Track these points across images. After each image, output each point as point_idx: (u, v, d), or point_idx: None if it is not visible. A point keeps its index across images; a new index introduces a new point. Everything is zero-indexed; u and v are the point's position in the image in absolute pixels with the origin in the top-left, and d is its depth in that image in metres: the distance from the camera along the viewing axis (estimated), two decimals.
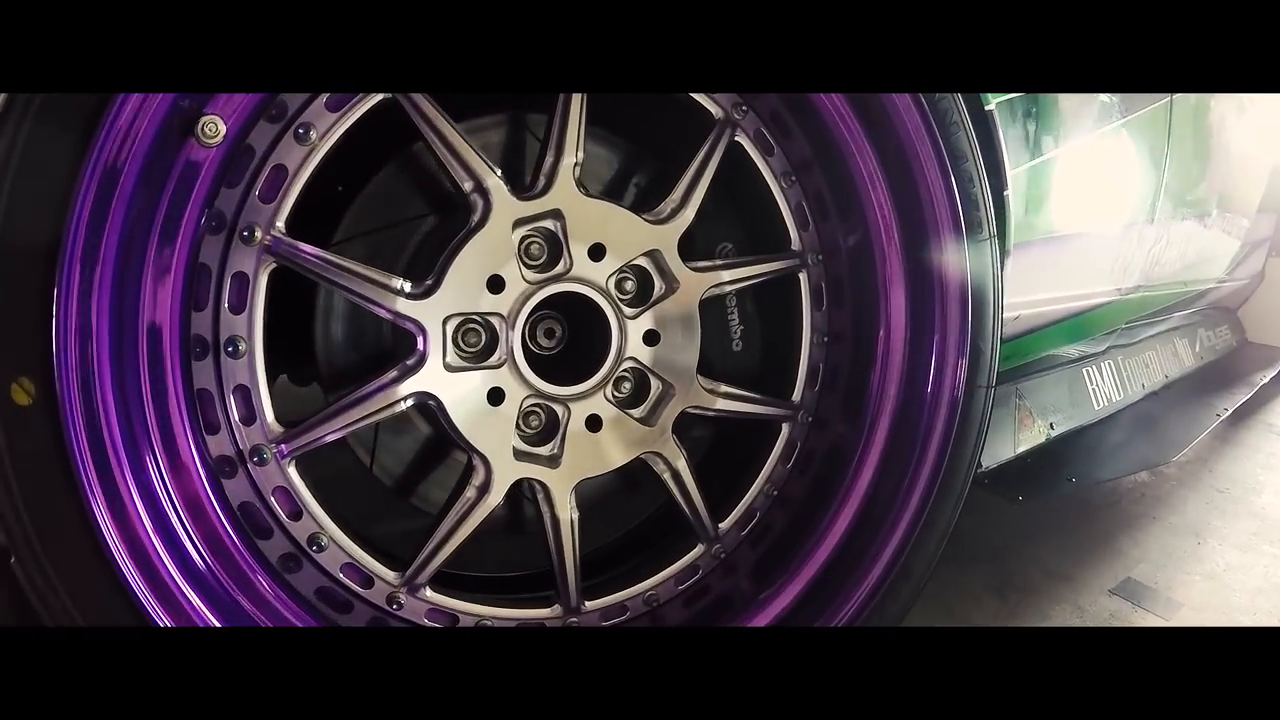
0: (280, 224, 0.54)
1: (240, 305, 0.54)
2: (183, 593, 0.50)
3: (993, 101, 0.75)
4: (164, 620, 0.47)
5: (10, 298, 0.42)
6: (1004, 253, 0.80)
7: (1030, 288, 0.91)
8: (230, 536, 0.54)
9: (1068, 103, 0.90)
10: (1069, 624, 0.95)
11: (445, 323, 0.59)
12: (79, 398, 0.44)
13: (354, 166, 0.62)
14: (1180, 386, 1.44)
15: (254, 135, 0.52)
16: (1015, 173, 0.83)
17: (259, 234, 0.53)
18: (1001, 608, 0.98)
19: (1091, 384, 1.20)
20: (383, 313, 0.57)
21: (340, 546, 0.58)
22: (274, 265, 0.54)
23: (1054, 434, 1.08)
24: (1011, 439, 1.01)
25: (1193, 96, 1.20)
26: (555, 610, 0.65)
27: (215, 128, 0.48)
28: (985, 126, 0.74)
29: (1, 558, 0.45)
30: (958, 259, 0.69)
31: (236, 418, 0.54)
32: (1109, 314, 1.16)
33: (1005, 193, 0.78)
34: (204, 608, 0.50)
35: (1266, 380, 1.56)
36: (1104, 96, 0.96)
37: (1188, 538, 1.18)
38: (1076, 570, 1.08)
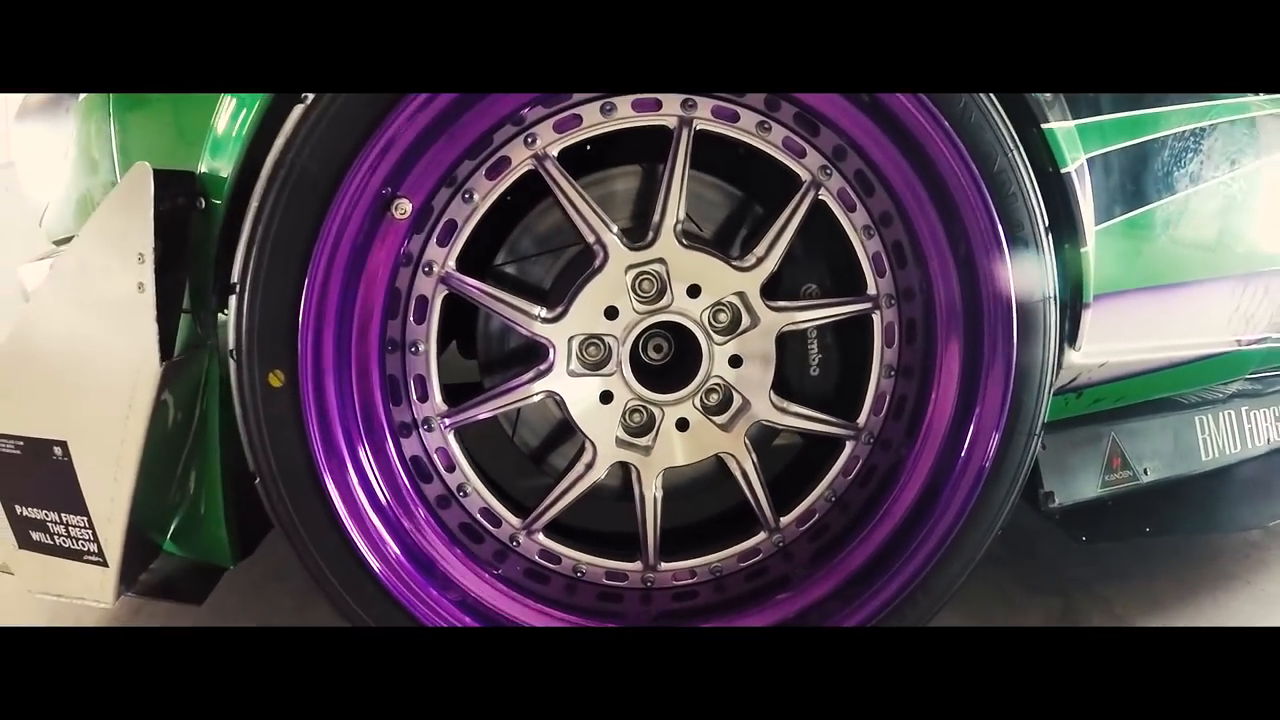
0: (451, 263, 0.74)
1: (421, 318, 0.75)
2: (368, 515, 0.72)
3: (1072, 164, 0.82)
4: (352, 528, 0.69)
5: (269, 321, 0.64)
6: (1082, 304, 0.88)
7: (1117, 337, 0.96)
8: (403, 479, 0.76)
9: (1168, 154, 0.94)
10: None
11: (570, 340, 0.77)
12: (311, 382, 0.67)
13: (511, 215, 0.82)
14: None
15: (435, 198, 0.72)
16: (1108, 225, 0.89)
17: (436, 269, 0.74)
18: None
19: (1204, 433, 1.20)
20: (523, 331, 0.77)
21: (479, 494, 0.80)
22: (446, 292, 0.75)
23: (1147, 479, 1.11)
24: (1097, 479, 1.06)
25: None
26: (636, 565, 0.83)
27: (404, 208, 0.69)
28: (1062, 187, 0.82)
29: (249, 479, 0.68)
30: (1010, 313, 0.78)
31: (414, 396, 0.76)
32: (1224, 364, 1.15)
33: (1084, 250, 0.85)
34: (381, 528, 0.72)
35: None
36: (1221, 148, 0.98)
37: (1274, 606, 1.16)
38: (1141, 618, 1.10)
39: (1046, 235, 0.79)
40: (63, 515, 0.79)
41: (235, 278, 0.64)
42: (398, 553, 0.73)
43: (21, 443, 0.77)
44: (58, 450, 0.75)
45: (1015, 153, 0.76)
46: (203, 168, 0.72)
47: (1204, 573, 1.23)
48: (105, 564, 0.78)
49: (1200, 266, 1.04)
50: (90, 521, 0.77)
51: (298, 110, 0.63)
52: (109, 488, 0.75)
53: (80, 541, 0.79)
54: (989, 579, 1.17)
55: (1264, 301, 1.14)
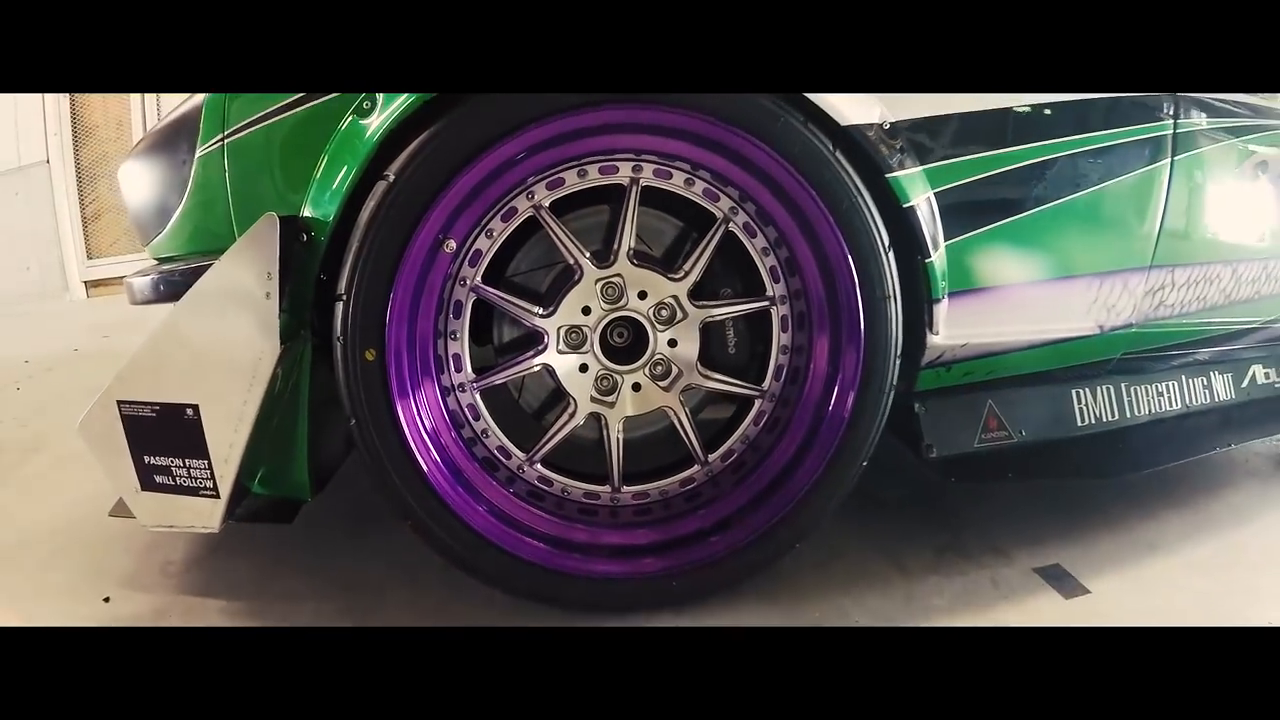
0: (479, 278, 1.12)
1: (458, 315, 1.13)
2: (426, 443, 1.10)
3: (915, 199, 1.14)
4: (417, 451, 1.07)
5: (367, 318, 1.02)
6: (934, 300, 1.20)
7: (973, 324, 1.27)
8: (446, 424, 1.14)
9: (1012, 183, 1.24)
10: (981, 588, 1.25)
11: (559, 329, 1.14)
12: (392, 357, 1.04)
13: (516, 244, 1.19)
14: (1206, 417, 1.62)
15: (469, 237, 1.10)
16: (958, 240, 1.21)
17: (468, 282, 1.12)
18: (933, 562, 1.33)
19: (1080, 403, 1.48)
20: (527, 323, 1.14)
21: (497, 436, 1.17)
22: (475, 298, 1.13)
23: (1023, 439, 1.40)
24: (974, 437, 1.37)
25: (1206, 153, 1.43)
26: (607, 489, 1.19)
27: (450, 245, 1.07)
28: (906, 218, 1.15)
29: (346, 421, 1.06)
30: (858, 307, 1.12)
31: (453, 369, 1.14)
32: (1090, 346, 1.44)
33: (929, 260, 1.17)
34: (435, 452, 1.10)
35: None
36: (1066, 175, 1.27)
37: (1143, 549, 1.40)
38: (1015, 549, 1.37)
39: (887, 254, 1.12)
40: (186, 460, 1.06)
41: (341, 290, 1.03)
42: (444, 469, 1.11)
43: (158, 407, 1.05)
44: (190, 411, 1.04)
45: (859, 197, 1.09)
46: (306, 212, 1.05)
47: (1089, 517, 1.49)
48: (218, 495, 1.07)
49: (1050, 268, 1.33)
50: (210, 464, 1.05)
51: (382, 185, 1.01)
52: (229, 437, 1.04)
53: (199, 480, 1.06)
54: (890, 523, 1.48)
55: (1124, 294, 1.43)
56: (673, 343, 1.16)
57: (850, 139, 1.08)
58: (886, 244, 1.11)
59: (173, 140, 1.17)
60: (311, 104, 1.07)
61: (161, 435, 1.06)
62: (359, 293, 1.01)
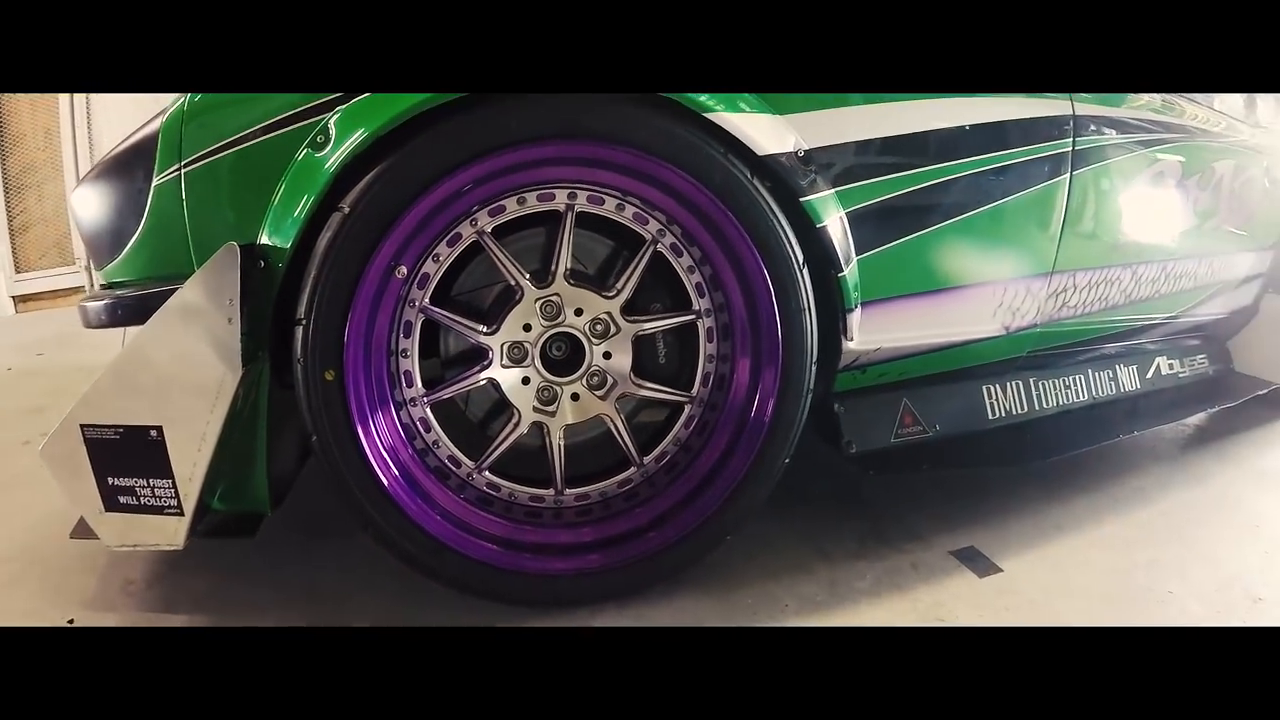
0: (427, 299, 1.20)
1: (408, 334, 1.21)
2: (383, 456, 1.18)
3: (827, 220, 1.25)
4: (374, 464, 1.16)
5: (325, 341, 1.10)
6: (847, 309, 1.31)
7: (884, 330, 1.38)
8: (400, 437, 1.22)
9: (918, 201, 1.35)
10: (902, 571, 1.36)
11: (502, 346, 1.23)
12: (350, 377, 1.12)
13: (460, 266, 1.27)
14: (1113, 408, 1.77)
15: (419, 263, 1.19)
16: (867, 255, 1.32)
17: (417, 303, 1.20)
18: (856, 550, 1.44)
19: (991, 399, 1.61)
20: (472, 340, 1.22)
21: (447, 446, 1.26)
22: (424, 318, 1.21)
23: (938, 433, 1.53)
24: (890, 433, 1.49)
25: (1104, 166, 1.56)
26: (550, 491, 1.29)
27: (402, 271, 1.15)
28: (818, 237, 1.25)
29: (306, 438, 1.14)
30: (776, 319, 1.22)
31: (404, 384, 1.23)
32: (997, 346, 1.56)
33: (842, 274, 1.29)
34: (390, 461, 1.18)
35: (1209, 409, 1.83)
36: (969, 192, 1.39)
37: (1051, 529, 1.52)
38: (932, 535, 1.49)
39: (802, 270, 1.22)
40: (150, 480, 1.10)
41: (301, 314, 1.10)
42: (400, 480, 1.19)
43: (121, 430, 1.09)
44: (154, 433, 1.08)
45: (775, 220, 1.19)
46: (263, 239, 1.10)
47: (998, 502, 1.62)
48: (182, 513, 1.11)
49: (957, 276, 1.44)
50: (174, 483, 1.09)
51: (338, 216, 1.09)
52: (193, 456, 1.08)
53: (164, 499, 1.10)
54: (814, 515, 1.59)
55: (1027, 298, 1.56)
56: (608, 355, 1.26)
57: (767, 167, 1.19)
58: (801, 261, 1.22)
59: (128, 167, 1.22)
60: (267, 136, 1.14)
61: (125, 457, 1.11)
62: (318, 317, 1.09)
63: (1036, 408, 1.67)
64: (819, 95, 1.25)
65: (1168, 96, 1.77)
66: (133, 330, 1.19)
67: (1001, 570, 1.41)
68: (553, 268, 1.22)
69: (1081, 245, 1.57)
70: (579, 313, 1.24)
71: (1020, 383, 1.66)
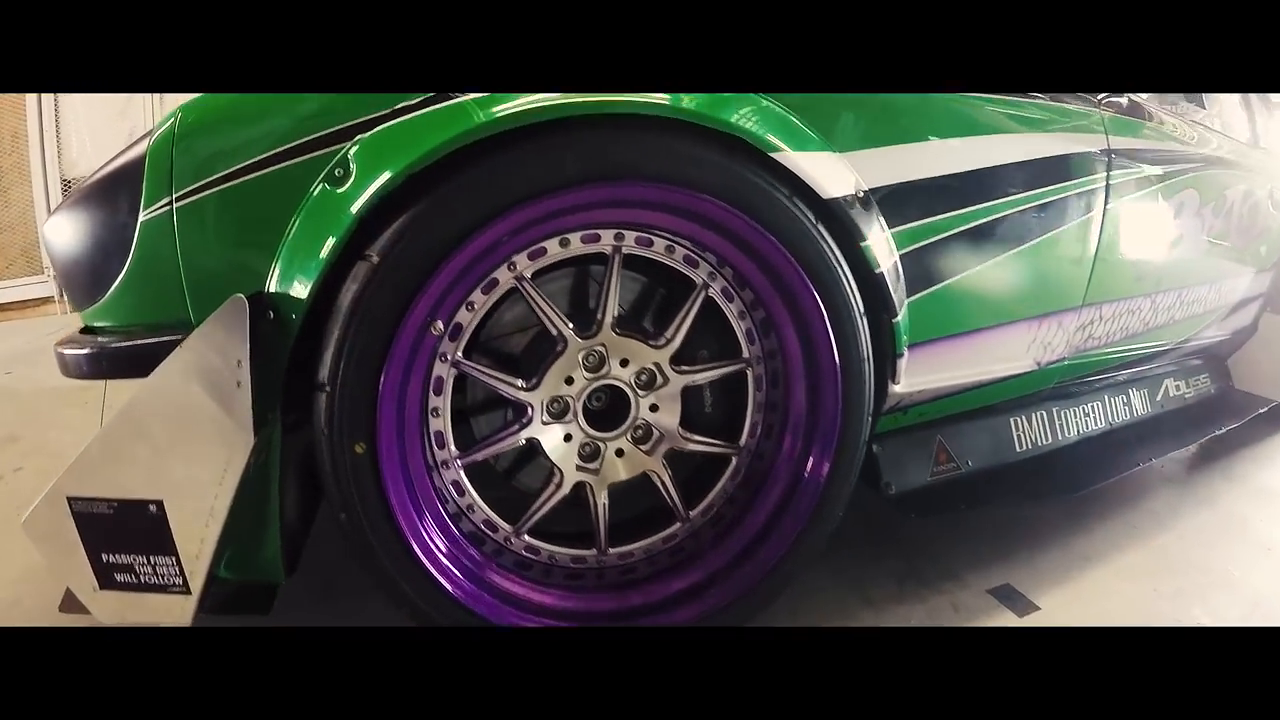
0: (460, 352, 1.09)
1: (438, 391, 1.10)
2: (411, 517, 1.07)
3: (884, 265, 1.19)
4: (410, 539, 1.05)
5: (354, 406, 0.98)
6: (898, 354, 1.25)
7: (929, 371, 1.34)
8: (434, 499, 1.12)
9: (965, 241, 1.30)
10: (944, 613, 1.33)
11: (543, 401, 1.13)
12: (383, 448, 1.01)
13: (497, 314, 1.16)
14: (1128, 433, 1.77)
15: (454, 314, 1.08)
16: (917, 298, 1.26)
17: (449, 357, 1.09)
18: (896, 592, 1.41)
19: (1018, 430, 1.59)
20: (510, 397, 1.12)
21: (482, 509, 1.16)
22: (457, 372, 1.10)
23: (970, 469, 1.50)
24: (927, 471, 1.45)
25: (1135, 198, 1.54)
26: (593, 552, 1.20)
27: (439, 327, 1.04)
28: (876, 283, 1.19)
29: (318, 498, 1.01)
30: (836, 371, 1.16)
31: (436, 445, 1.12)
32: (1029, 380, 1.54)
33: (896, 320, 1.23)
34: (419, 524, 1.07)
35: (1218, 432, 1.86)
36: (1011, 231, 1.35)
37: (1079, 560, 1.53)
38: (968, 573, 1.47)
39: (862, 318, 1.16)
40: (151, 558, 0.98)
41: (324, 379, 0.98)
42: (433, 549, 1.09)
43: (115, 504, 0.96)
44: (153, 508, 0.96)
45: (838, 266, 1.12)
46: (271, 287, 0.97)
47: (1029, 538, 1.61)
48: (189, 592, 0.99)
49: (997, 315, 1.41)
50: (179, 560, 0.98)
51: (365, 266, 0.96)
52: (200, 533, 0.97)
53: (167, 577, 0.98)
54: (852, 557, 1.54)
55: (1058, 332, 1.54)
56: (654, 408, 1.18)
57: (830, 211, 1.11)
58: (861, 310, 1.15)
59: (110, 196, 1.04)
60: (274, 168, 1.00)
61: (122, 533, 0.97)
62: (344, 383, 0.97)
63: (1059, 437, 1.67)
64: (874, 131, 1.19)
65: (1190, 122, 1.76)
66: (116, 381, 1.05)
67: (1039, 608, 1.40)
68: (599, 316, 1.12)
69: (1109, 278, 1.56)
70: (624, 363, 1.15)
71: (1044, 413, 1.65)
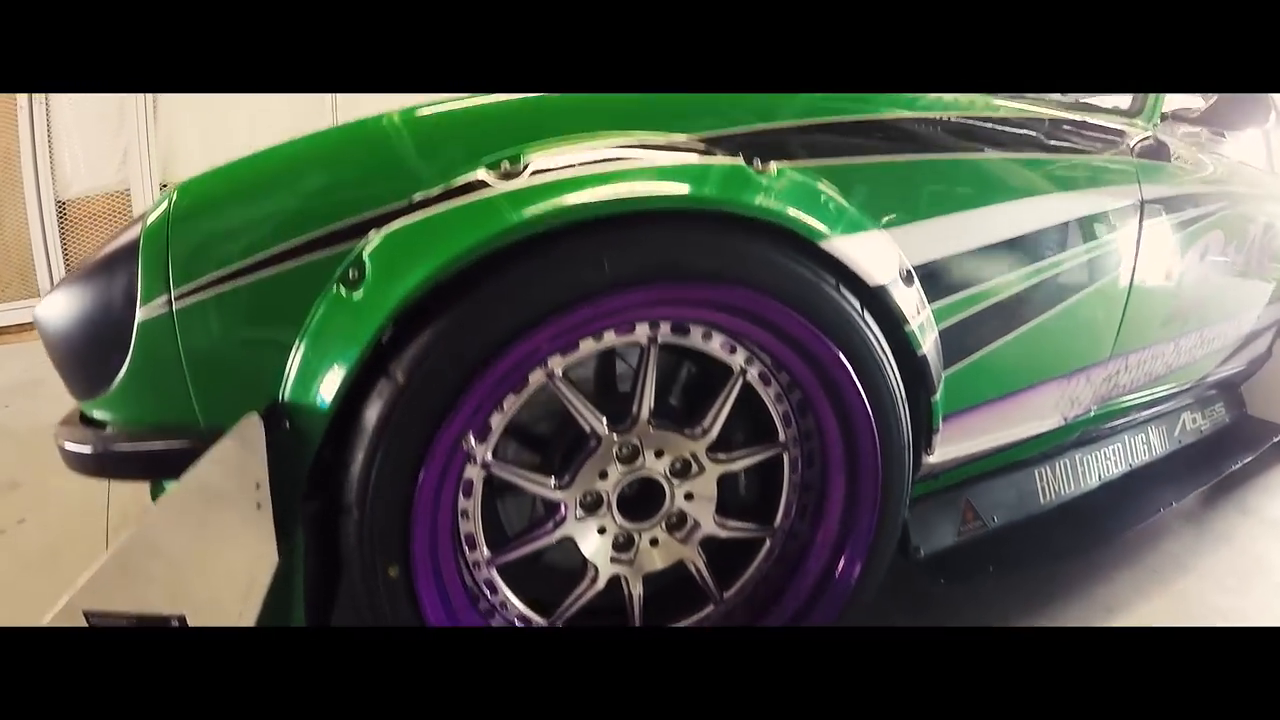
0: (489, 455, 1.04)
1: (468, 494, 1.05)
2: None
3: (926, 346, 1.15)
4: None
5: (385, 528, 0.94)
6: (934, 429, 1.22)
7: (962, 439, 1.31)
8: (467, 603, 1.08)
9: (998, 313, 1.27)
10: None
11: (577, 499, 1.09)
12: (418, 568, 0.96)
13: (529, 412, 1.11)
14: (1146, 473, 1.76)
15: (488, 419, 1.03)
16: (953, 370, 1.23)
17: (478, 459, 1.04)
18: None
19: (1042, 481, 1.58)
20: (543, 496, 1.08)
21: (514, 605, 1.12)
22: (486, 474, 1.06)
23: (995, 525, 1.48)
24: (954, 531, 1.43)
25: (1163, 246, 1.51)
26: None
27: (470, 442, 0.99)
28: (917, 365, 1.15)
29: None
30: (878, 459, 1.13)
31: (467, 547, 1.08)
32: (1055, 435, 1.52)
33: (934, 398, 1.20)
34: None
35: (1235, 467, 1.85)
36: (1040, 298, 1.32)
37: (1102, 612, 1.51)
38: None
39: (904, 404, 1.13)
40: None
41: (351, 501, 0.93)
42: None
43: (136, 618, 0.92)
44: (175, 623, 0.93)
45: (882, 355, 1.09)
46: (286, 395, 0.92)
47: (1047, 598, 1.62)
48: None
49: (1029, 377, 1.39)
50: None
51: (390, 388, 0.91)
52: None
53: None
54: (878, 612, 1.50)
55: (1085, 387, 1.51)
56: (689, 495, 1.14)
57: (876, 298, 1.07)
58: (904, 396, 1.12)
59: (105, 287, 0.96)
60: (281, 266, 0.93)
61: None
62: (374, 506, 0.92)
63: (1082, 484, 1.65)
64: (917, 202, 1.14)
65: (1213, 154, 1.72)
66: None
67: None
68: (633, 409, 1.08)
69: (1137, 327, 1.53)
70: (659, 454, 1.11)
71: (1066, 461, 1.64)
